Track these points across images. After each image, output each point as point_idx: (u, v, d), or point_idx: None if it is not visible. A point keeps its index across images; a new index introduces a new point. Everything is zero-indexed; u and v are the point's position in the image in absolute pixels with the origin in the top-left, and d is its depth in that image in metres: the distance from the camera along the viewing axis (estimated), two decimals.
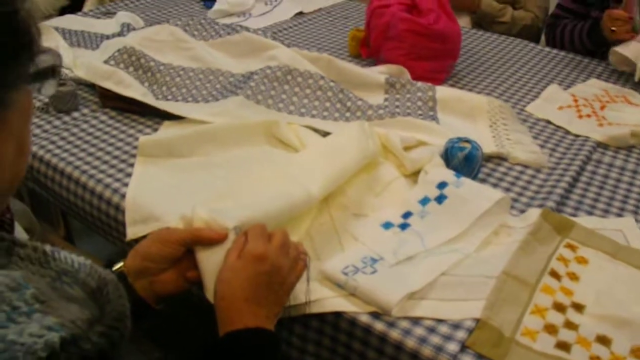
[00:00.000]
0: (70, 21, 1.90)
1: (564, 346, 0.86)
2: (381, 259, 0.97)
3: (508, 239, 1.05)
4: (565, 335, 0.88)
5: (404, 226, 1.05)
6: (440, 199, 1.08)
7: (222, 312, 0.79)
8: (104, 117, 1.39)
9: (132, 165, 1.21)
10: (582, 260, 1.02)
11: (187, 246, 0.86)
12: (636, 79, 1.68)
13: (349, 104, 1.41)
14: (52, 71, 0.58)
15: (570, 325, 0.90)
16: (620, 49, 1.74)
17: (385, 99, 1.47)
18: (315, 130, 1.31)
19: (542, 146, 1.38)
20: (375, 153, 1.16)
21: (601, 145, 1.41)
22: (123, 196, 1.12)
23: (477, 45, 1.96)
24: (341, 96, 1.43)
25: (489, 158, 1.31)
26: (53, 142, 1.28)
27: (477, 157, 1.17)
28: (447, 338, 0.86)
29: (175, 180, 1.17)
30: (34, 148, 1.26)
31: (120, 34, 1.72)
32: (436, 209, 1.07)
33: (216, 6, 2.08)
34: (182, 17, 1.98)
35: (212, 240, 0.85)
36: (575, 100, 1.60)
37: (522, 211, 1.14)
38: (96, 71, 1.43)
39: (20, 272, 0.51)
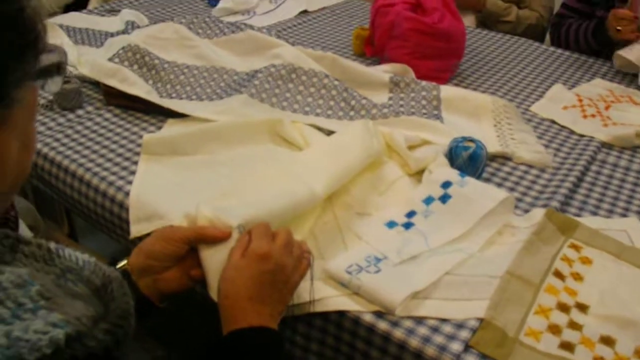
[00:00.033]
0: (74, 19, 1.90)
1: (567, 346, 0.86)
2: (385, 258, 0.97)
3: (512, 239, 1.05)
4: (569, 335, 0.88)
5: (407, 225, 1.05)
6: (444, 198, 1.08)
7: (226, 311, 0.79)
8: (108, 115, 1.39)
9: (136, 163, 1.21)
10: (586, 261, 1.02)
11: (191, 244, 0.86)
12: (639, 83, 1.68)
13: (353, 102, 1.41)
14: (58, 68, 0.58)
15: (574, 325, 0.90)
16: (623, 53, 1.74)
17: (390, 98, 1.47)
18: (319, 129, 1.31)
19: (546, 146, 1.38)
20: (379, 152, 1.16)
21: (606, 145, 1.40)
22: (127, 194, 1.12)
23: (481, 44, 1.95)
24: (345, 95, 1.43)
25: (494, 157, 1.30)
26: (57, 140, 1.28)
27: (481, 156, 1.17)
28: (451, 338, 0.85)
29: (179, 178, 1.17)
30: (38, 145, 1.27)
31: (124, 31, 1.72)
32: (440, 209, 1.07)
33: (220, 4, 2.08)
34: (186, 15, 1.98)
35: (215, 238, 0.85)
36: (580, 100, 1.60)
37: (527, 211, 1.13)
38: (100, 69, 1.43)
39: (26, 269, 0.51)
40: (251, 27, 1.74)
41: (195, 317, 1.02)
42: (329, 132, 1.29)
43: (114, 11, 1.99)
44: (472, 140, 1.19)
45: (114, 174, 1.18)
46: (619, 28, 1.75)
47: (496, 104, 1.47)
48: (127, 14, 1.87)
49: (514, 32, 2.18)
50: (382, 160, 1.18)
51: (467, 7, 2.23)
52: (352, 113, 1.40)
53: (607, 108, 1.56)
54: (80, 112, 1.40)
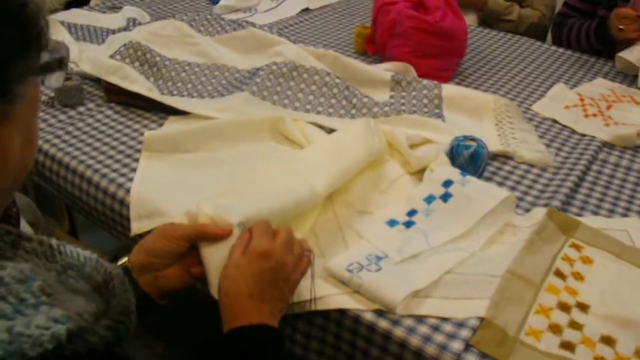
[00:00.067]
0: (76, 15, 1.90)
1: (568, 346, 0.86)
2: (386, 256, 0.97)
3: (513, 238, 1.05)
4: (570, 335, 0.88)
5: (408, 224, 1.05)
6: (445, 197, 1.08)
7: (227, 309, 0.79)
8: (109, 112, 1.39)
9: (137, 160, 1.21)
10: (587, 260, 1.01)
11: (192, 242, 0.86)
12: (639, 85, 1.68)
13: (354, 100, 1.41)
14: (60, 64, 0.58)
15: (574, 325, 0.89)
16: (624, 55, 1.74)
17: (391, 97, 1.47)
18: (321, 127, 1.31)
19: (548, 145, 1.38)
20: (380, 150, 1.16)
21: (607, 145, 1.40)
22: (128, 191, 1.12)
23: (483, 43, 1.95)
24: (347, 93, 1.42)
25: (495, 157, 1.30)
26: (58, 137, 1.28)
27: (482, 155, 1.17)
28: (451, 337, 0.85)
29: (180, 175, 1.17)
30: (39, 142, 1.26)
31: (126, 28, 1.72)
32: (441, 207, 1.07)
33: (222, 2, 2.08)
34: (188, 12, 1.98)
35: (216, 236, 0.85)
36: (582, 100, 1.59)
37: (528, 210, 1.13)
38: (102, 66, 1.43)
39: (27, 264, 0.51)
40: (253, 24, 1.74)
41: (196, 314, 1.02)
42: (330, 130, 1.29)
43: (115, 8, 1.99)
44: (473, 139, 1.19)
45: (114, 171, 1.18)
46: (621, 27, 1.75)
47: (497, 103, 1.47)
48: (129, 11, 1.87)
49: (516, 31, 2.17)
50: (383, 158, 1.18)
51: (468, 6, 2.23)
52: (353, 111, 1.40)
53: (608, 108, 1.56)
54: (81, 109, 1.40)
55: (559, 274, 0.98)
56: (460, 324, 0.88)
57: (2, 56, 0.47)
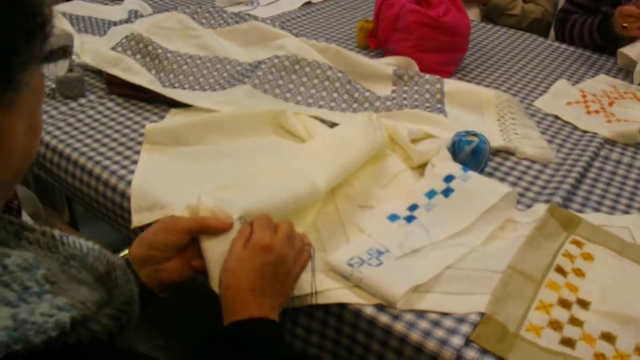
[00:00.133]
0: (77, 7, 1.90)
1: (568, 342, 0.86)
2: (387, 251, 0.96)
3: (514, 234, 1.05)
4: (570, 331, 0.88)
5: (410, 219, 1.05)
6: (446, 192, 1.08)
7: (227, 302, 0.79)
8: (110, 104, 1.39)
9: (138, 152, 1.21)
10: (588, 257, 1.01)
11: (193, 235, 0.86)
12: (634, 83, 1.68)
13: (356, 95, 1.41)
14: (64, 52, 0.58)
15: (575, 321, 0.90)
16: (625, 50, 1.73)
17: (393, 91, 1.47)
18: (322, 121, 1.31)
19: (549, 141, 1.37)
20: (382, 145, 1.16)
21: (609, 142, 1.40)
22: (129, 183, 1.12)
23: (486, 38, 1.95)
24: (349, 87, 1.42)
25: (496, 152, 1.30)
26: (59, 128, 1.28)
27: (484, 150, 1.17)
28: (452, 332, 0.85)
29: (181, 168, 1.17)
30: None
31: (128, 20, 1.72)
32: (442, 202, 1.07)
33: None
34: (190, 4, 1.98)
35: (217, 229, 0.85)
36: (584, 96, 1.59)
37: (529, 206, 1.13)
38: (103, 57, 1.42)
39: (31, 253, 0.51)
40: (255, 17, 1.73)
41: (196, 307, 1.02)
42: (332, 124, 1.29)
43: (117, 0, 1.98)
44: (475, 134, 1.19)
45: (116, 163, 1.18)
46: (625, 25, 1.74)
47: (500, 98, 1.47)
48: (131, 3, 1.86)
49: (519, 26, 2.17)
50: (385, 153, 1.18)
51: (471, 0, 2.23)
52: (355, 105, 1.39)
53: (610, 104, 1.56)
54: (82, 100, 1.40)
55: (560, 270, 0.98)
56: (461, 319, 0.88)
57: (7, 43, 0.47)
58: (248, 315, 0.77)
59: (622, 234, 1.07)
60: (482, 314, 0.88)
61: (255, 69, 1.45)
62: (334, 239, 1.01)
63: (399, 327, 0.86)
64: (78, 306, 0.49)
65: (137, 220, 1.08)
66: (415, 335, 0.85)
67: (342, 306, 0.90)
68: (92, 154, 1.20)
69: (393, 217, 1.05)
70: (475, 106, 1.45)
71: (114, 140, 1.25)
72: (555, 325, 0.89)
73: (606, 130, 1.42)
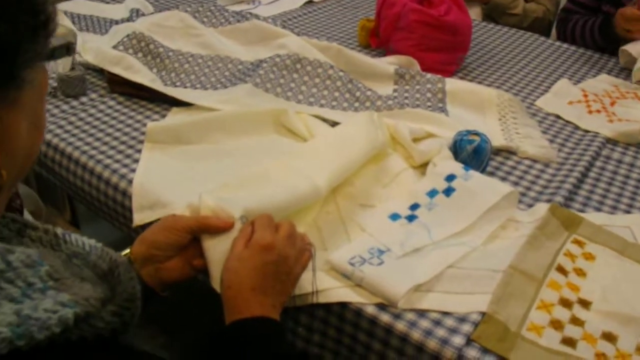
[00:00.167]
0: (79, 5, 1.90)
1: (569, 342, 0.86)
2: (388, 250, 0.96)
3: (515, 233, 1.05)
4: (571, 331, 0.88)
5: (411, 218, 1.05)
6: (448, 191, 1.08)
7: (229, 301, 0.79)
8: (112, 103, 1.39)
9: (139, 151, 1.21)
10: (589, 257, 1.01)
11: (194, 234, 0.86)
12: (633, 80, 1.67)
13: (358, 94, 1.41)
14: (67, 49, 0.58)
15: (576, 321, 0.89)
16: (627, 47, 1.73)
17: (395, 90, 1.47)
18: (324, 120, 1.31)
19: (551, 141, 1.37)
20: (383, 144, 1.16)
21: (610, 141, 1.40)
22: (130, 182, 1.12)
23: (487, 37, 1.95)
24: (350, 86, 1.42)
25: (498, 151, 1.30)
26: (61, 127, 1.28)
27: (486, 150, 1.17)
28: (453, 331, 0.85)
29: (182, 167, 1.17)
30: None
31: (129, 19, 1.72)
32: (444, 202, 1.07)
33: None
34: (191, 3, 1.98)
35: (218, 228, 0.85)
36: (585, 96, 1.59)
37: (530, 206, 1.13)
38: (105, 56, 1.42)
39: (35, 250, 0.51)
40: (256, 16, 1.73)
41: (197, 306, 1.02)
42: (334, 123, 1.29)
43: None
44: (476, 133, 1.19)
45: (117, 161, 1.18)
46: (628, 29, 1.74)
47: (501, 97, 1.47)
48: (132, 2, 1.86)
49: (520, 25, 2.17)
50: (386, 152, 1.18)
51: None
52: (356, 104, 1.39)
53: (612, 104, 1.55)
54: (84, 99, 1.40)
55: (561, 270, 0.98)
56: (462, 319, 0.88)
57: (11, 41, 0.47)
58: (249, 314, 0.77)
59: (624, 233, 1.07)
60: (483, 314, 0.88)
61: (256, 68, 1.45)
62: (335, 238, 1.01)
63: (400, 326, 0.86)
64: (81, 303, 0.49)
65: (138, 219, 1.08)
66: (416, 335, 0.85)
67: (344, 305, 0.90)
68: (93, 152, 1.20)
69: (394, 216, 1.05)
70: (476, 105, 1.45)
71: (116, 138, 1.25)
72: (557, 324, 0.88)
73: (608, 129, 1.42)
